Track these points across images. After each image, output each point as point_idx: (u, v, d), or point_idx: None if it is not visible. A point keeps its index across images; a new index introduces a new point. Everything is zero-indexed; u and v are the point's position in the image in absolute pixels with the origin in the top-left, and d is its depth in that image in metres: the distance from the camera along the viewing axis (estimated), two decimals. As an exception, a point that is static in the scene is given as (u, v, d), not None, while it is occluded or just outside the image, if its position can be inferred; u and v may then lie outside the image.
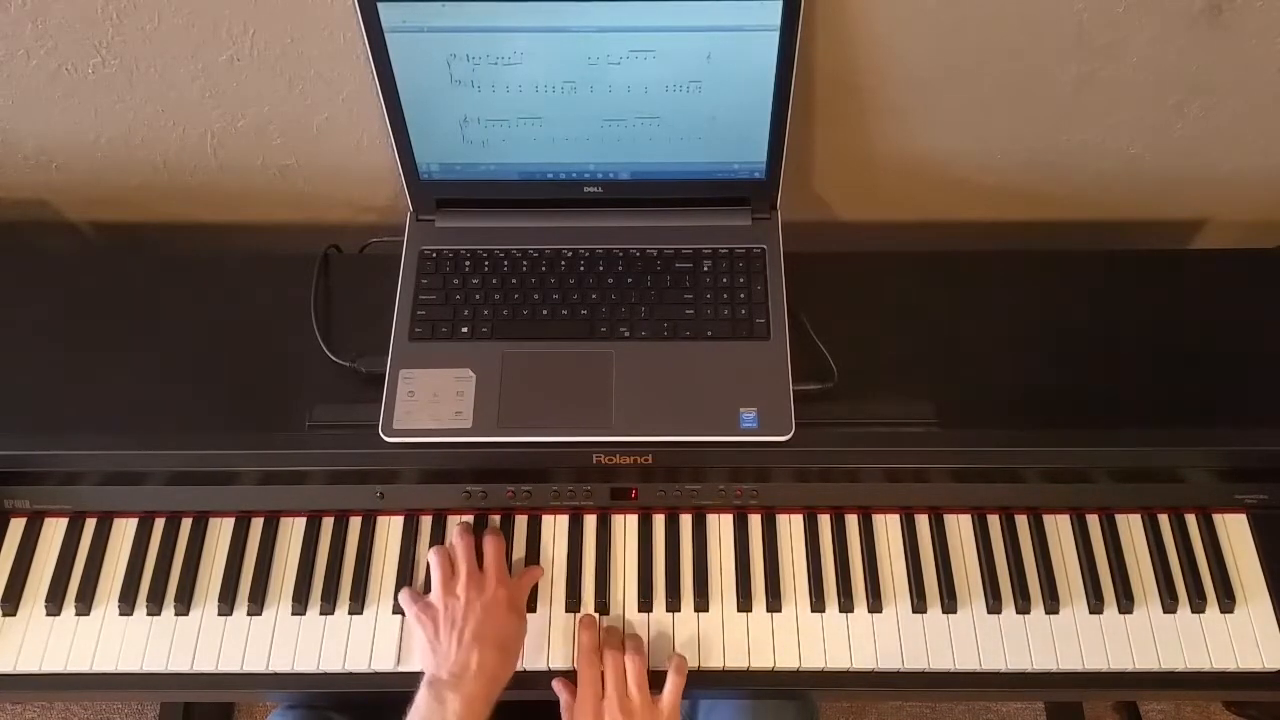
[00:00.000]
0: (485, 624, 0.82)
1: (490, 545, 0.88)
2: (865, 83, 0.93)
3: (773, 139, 0.90)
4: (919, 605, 0.89)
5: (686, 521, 0.93)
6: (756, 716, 0.95)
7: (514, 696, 0.83)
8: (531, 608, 0.89)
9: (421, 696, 0.78)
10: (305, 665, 0.86)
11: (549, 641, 0.87)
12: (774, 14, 0.81)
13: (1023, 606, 0.88)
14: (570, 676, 0.85)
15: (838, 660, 0.87)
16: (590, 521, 0.93)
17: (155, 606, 0.89)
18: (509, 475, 0.91)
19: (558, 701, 0.85)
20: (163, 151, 1.01)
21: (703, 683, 0.87)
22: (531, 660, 0.87)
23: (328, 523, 0.93)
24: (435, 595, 0.85)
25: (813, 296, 0.94)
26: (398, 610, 0.88)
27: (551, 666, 0.86)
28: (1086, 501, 0.93)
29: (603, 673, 0.83)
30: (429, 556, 0.88)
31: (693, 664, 0.86)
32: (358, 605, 0.89)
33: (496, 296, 0.92)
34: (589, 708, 0.81)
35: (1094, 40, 0.88)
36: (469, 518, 0.93)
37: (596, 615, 0.89)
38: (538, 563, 0.91)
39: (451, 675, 0.79)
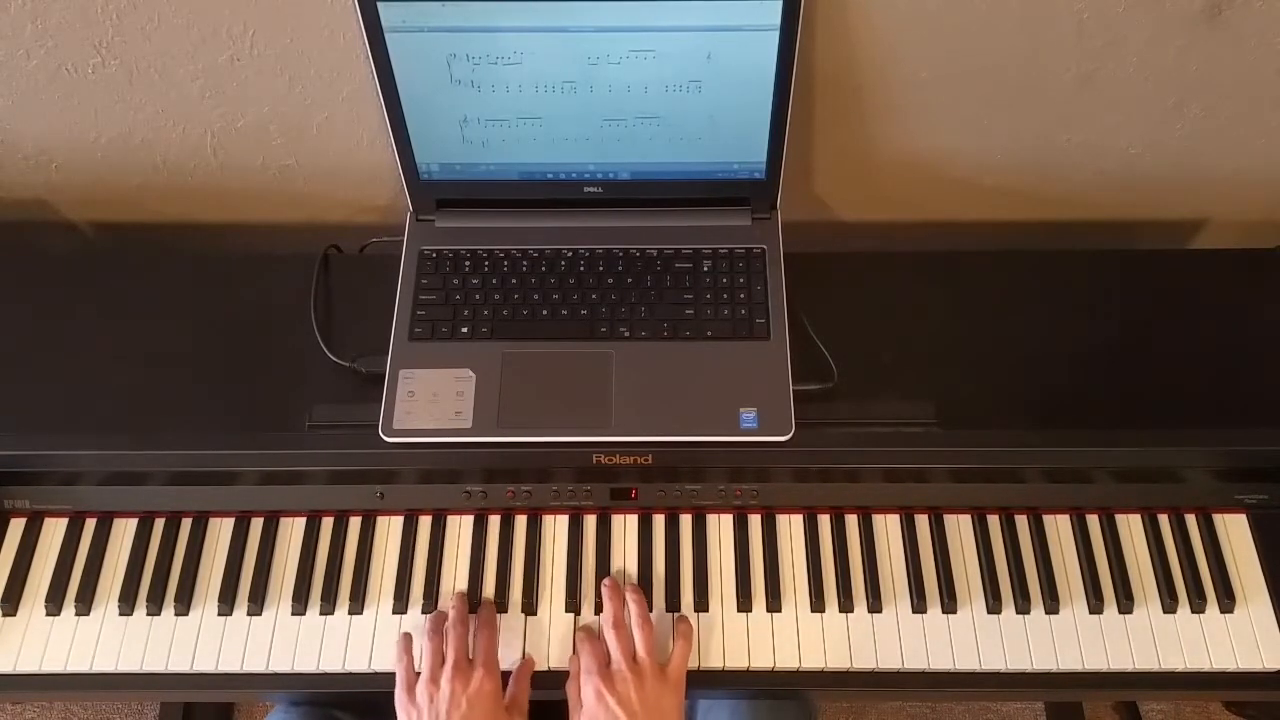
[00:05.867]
0: (469, 718, 0.79)
1: (483, 637, 0.84)
2: (865, 82, 0.93)
3: (773, 139, 0.90)
4: (919, 605, 0.89)
5: (686, 521, 0.93)
6: (755, 717, 0.95)
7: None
8: (531, 608, 0.89)
9: None
10: (305, 665, 0.86)
11: (549, 642, 0.87)
12: (774, 14, 0.81)
13: (1023, 606, 0.88)
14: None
15: (838, 660, 0.86)
16: (590, 521, 0.93)
17: (155, 607, 0.89)
18: (509, 475, 0.91)
19: (561, 702, 0.85)
20: (163, 151, 1.01)
21: (703, 683, 0.87)
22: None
23: (327, 523, 0.93)
24: (422, 684, 0.81)
25: (813, 296, 0.95)
26: (398, 610, 0.89)
27: (552, 667, 0.86)
28: (1086, 501, 0.93)
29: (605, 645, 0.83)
30: (423, 641, 0.84)
31: (692, 664, 0.86)
32: (357, 605, 0.89)
33: (496, 296, 0.92)
34: (595, 672, 0.80)
35: (1094, 40, 0.88)
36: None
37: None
38: (537, 564, 0.91)
39: None
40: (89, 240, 1.14)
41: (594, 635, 0.84)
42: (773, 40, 0.82)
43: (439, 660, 0.83)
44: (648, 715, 0.79)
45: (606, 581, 0.88)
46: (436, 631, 0.85)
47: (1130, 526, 0.93)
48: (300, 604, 0.89)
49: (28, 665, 0.86)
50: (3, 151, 1.01)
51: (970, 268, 1.00)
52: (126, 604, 0.89)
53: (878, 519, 0.93)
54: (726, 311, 0.91)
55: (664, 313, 0.91)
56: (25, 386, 0.92)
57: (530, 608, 0.89)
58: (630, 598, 0.86)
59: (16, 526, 0.92)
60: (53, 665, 0.86)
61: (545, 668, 0.86)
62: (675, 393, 0.88)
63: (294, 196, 1.07)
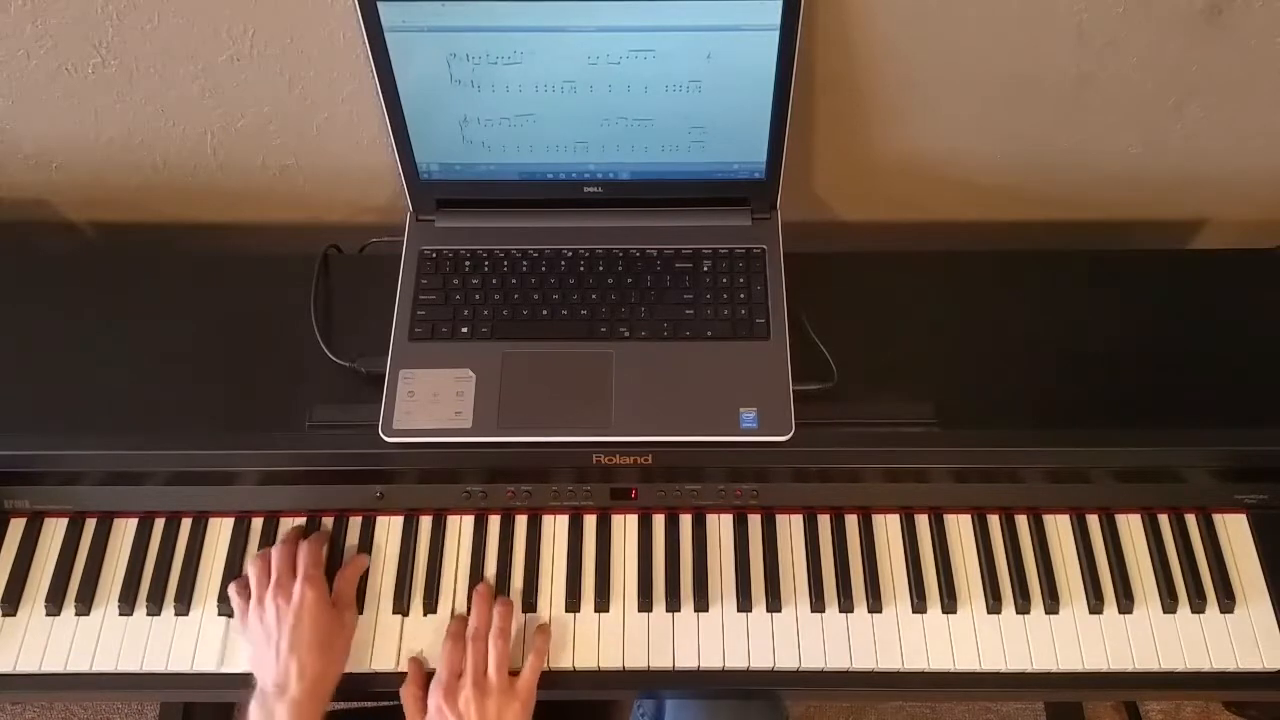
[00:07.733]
0: (299, 629, 0.82)
1: (303, 548, 0.87)
2: (865, 82, 0.93)
3: (772, 139, 0.90)
4: (919, 605, 0.89)
5: (686, 521, 0.93)
6: (720, 717, 0.95)
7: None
8: (531, 606, 0.89)
9: (251, 709, 0.80)
10: (305, 665, 0.86)
11: (549, 641, 0.87)
12: (774, 14, 0.81)
13: (1023, 606, 0.88)
14: (578, 677, 0.85)
15: (837, 660, 0.86)
16: (590, 521, 0.93)
17: (155, 607, 0.89)
18: (509, 475, 0.91)
19: (562, 703, 0.85)
20: (163, 151, 1.01)
21: (703, 682, 0.87)
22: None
23: (327, 522, 0.93)
24: (252, 608, 0.85)
25: (813, 296, 0.94)
26: (398, 610, 0.89)
27: (552, 666, 0.86)
28: (1086, 501, 0.93)
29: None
30: (247, 567, 0.88)
31: (693, 664, 0.86)
32: (358, 605, 0.88)
33: (496, 296, 0.92)
34: (441, 685, 0.82)
35: (1094, 40, 0.88)
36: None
37: (495, 597, 0.89)
38: (538, 563, 0.91)
39: (275, 686, 0.80)
40: (89, 240, 1.14)
41: (460, 641, 0.85)
42: (773, 40, 0.82)
43: (265, 581, 0.85)
44: None
45: (478, 589, 0.88)
46: (265, 554, 0.88)
47: (1130, 526, 0.93)
48: (300, 604, 0.89)
49: (28, 665, 0.86)
50: (3, 151, 1.01)
51: (970, 268, 1.00)
52: (126, 604, 0.89)
53: (878, 519, 0.93)
54: (726, 311, 0.91)
55: (664, 313, 0.91)
56: (25, 386, 0.91)
57: (530, 607, 0.89)
58: (496, 610, 0.86)
59: (16, 526, 0.92)
60: (53, 665, 0.86)
61: (546, 667, 0.86)
62: (675, 393, 0.88)
63: (294, 196, 1.07)
